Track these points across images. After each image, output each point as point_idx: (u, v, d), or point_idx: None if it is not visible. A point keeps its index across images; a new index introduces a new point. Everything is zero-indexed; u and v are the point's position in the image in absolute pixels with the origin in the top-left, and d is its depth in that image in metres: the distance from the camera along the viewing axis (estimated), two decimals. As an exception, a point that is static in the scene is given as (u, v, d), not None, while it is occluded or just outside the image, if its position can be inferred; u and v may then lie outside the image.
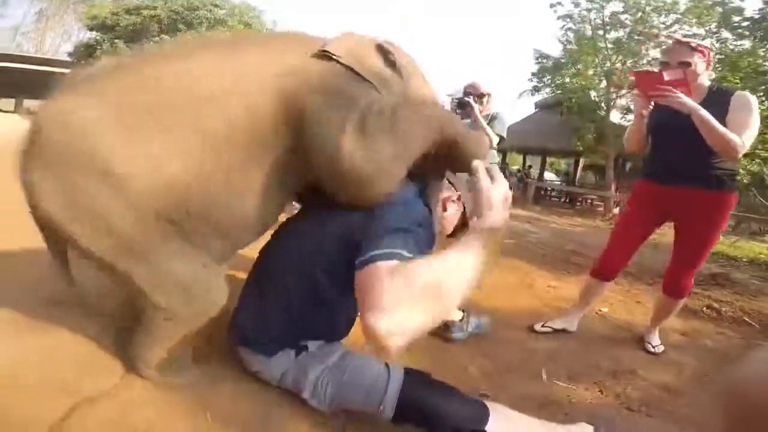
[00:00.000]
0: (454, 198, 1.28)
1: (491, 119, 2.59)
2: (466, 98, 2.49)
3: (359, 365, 1.03)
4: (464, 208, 1.31)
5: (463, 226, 1.35)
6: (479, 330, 1.88)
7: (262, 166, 0.95)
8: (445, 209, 1.26)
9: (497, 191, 0.85)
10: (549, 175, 17.40)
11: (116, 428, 0.91)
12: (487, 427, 0.96)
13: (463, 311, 1.84)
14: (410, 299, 0.71)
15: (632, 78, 1.75)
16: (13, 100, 12.67)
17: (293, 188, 1.07)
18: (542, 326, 2.02)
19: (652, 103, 1.69)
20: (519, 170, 15.42)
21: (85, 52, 9.92)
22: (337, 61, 0.96)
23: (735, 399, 0.39)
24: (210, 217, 0.93)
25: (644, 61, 11.04)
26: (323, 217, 1.04)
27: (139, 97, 0.87)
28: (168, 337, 0.99)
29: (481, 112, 2.51)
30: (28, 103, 12.98)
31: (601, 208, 11.03)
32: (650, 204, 1.85)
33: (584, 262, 3.82)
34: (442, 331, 1.77)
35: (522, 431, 1.08)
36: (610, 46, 11.14)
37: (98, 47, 9.83)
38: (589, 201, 12.49)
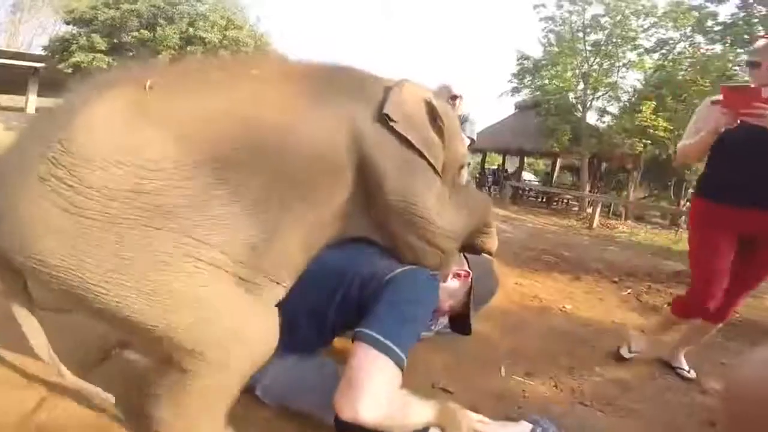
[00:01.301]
0: (463, 273, 1.21)
1: (462, 121, 2.67)
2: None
3: (314, 366, 1.07)
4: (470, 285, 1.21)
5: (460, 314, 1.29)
6: (446, 328, 1.96)
7: (316, 215, 0.95)
8: (444, 280, 1.20)
9: None
10: (528, 176, 17.73)
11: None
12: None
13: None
14: (386, 406, 0.84)
15: (717, 96, 1.67)
16: None
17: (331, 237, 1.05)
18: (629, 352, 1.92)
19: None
20: (497, 170, 15.70)
21: (60, 47, 9.59)
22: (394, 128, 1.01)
23: (734, 399, 0.40)
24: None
25: (620, 64, 11.38)
26: (350, 258, 1.06)
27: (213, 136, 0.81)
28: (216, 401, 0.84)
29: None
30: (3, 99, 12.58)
31: (577, 208, 11.35)
32: (729, 227, 1.65)
33: (553, 261, 3.97)
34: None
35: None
36: (589, 48, 11.43)
37: (74, 42, 9.51)
38: (564, 201, 12.84)
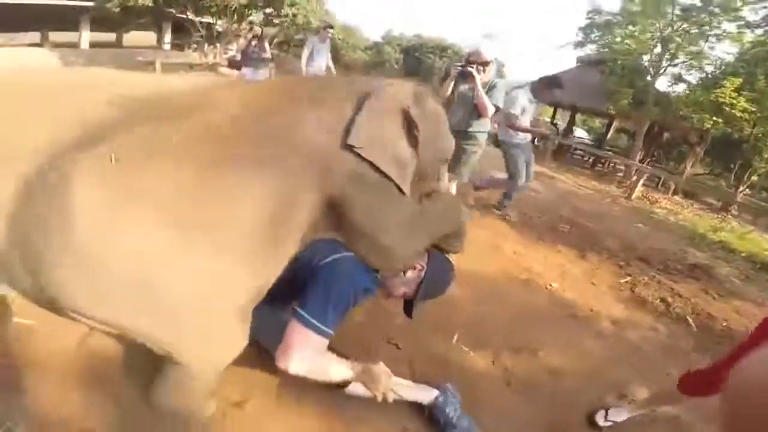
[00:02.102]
0: (417, 267, 1.31)
1: (489, 88, 2.59)
2: (470, 68, 2.51)
3: (277, 319, 1.20)
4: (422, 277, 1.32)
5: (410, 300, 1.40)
6: None
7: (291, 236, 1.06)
8: (405, 272, 1.31)
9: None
10: (581, 133, 16.38)
11: None
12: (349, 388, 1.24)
13: None
14: (309, 365, 1.12)
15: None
16: (38, 34, 12.95)
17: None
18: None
19: None
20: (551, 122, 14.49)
21: None
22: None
23: (735, 399, 0.38)
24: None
25: (712, 33, 9.88)
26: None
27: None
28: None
29: (481, 80, 2.53)
30: (54, 36, 13.24)
31: (622, 174, 10.52)
32: None
33: (567, 231, 3.82)
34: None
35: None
36: (677, 12, 9.90)
37: None
38: (611, 165, 11.90)
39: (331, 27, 5.51)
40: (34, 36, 13.77)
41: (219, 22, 11.48)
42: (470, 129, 2.66)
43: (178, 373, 1.04)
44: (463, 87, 2.61)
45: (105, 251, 0.84)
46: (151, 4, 9.81)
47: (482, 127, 2.73)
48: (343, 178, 1.04)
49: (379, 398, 1.19)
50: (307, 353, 1.10)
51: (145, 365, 1.14)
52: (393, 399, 1.22)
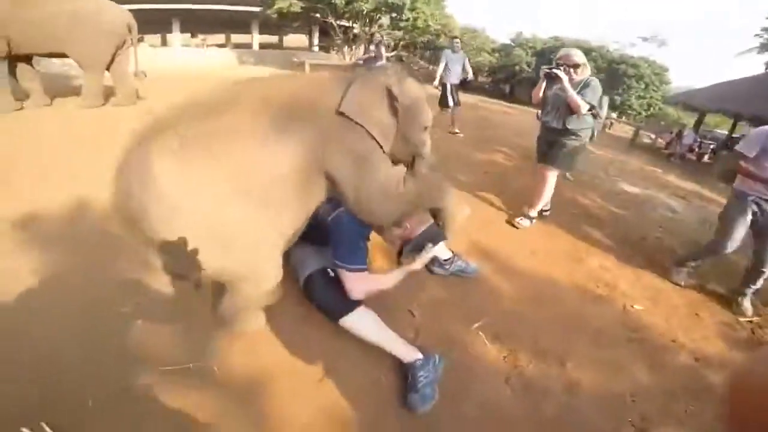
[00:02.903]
0: (406, 228, 1.62)
1: (583, 86, 2.59)
2: (555, 70, 2.59)
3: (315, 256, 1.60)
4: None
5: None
6: (464, 272, 2.10)
7: (306, 193, 1.31)
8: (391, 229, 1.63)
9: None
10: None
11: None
12: (348, 317, 1.42)
13: (452, 253, 2.09)
14: (362, 290, 1.47)
15: None
16: (223, 35, 16.40)
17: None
18: None
19: None
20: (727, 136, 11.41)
21: None
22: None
23: (740, 397, 0.38)
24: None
25: None
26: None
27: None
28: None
29: (572, 80, 2.60)
30: (235, 38, 16.43)
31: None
32: None
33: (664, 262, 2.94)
34: (429, 264, 2.01)
35: (372, 332, 1.42)
36: None
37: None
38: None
39: (457, 38, 5.62)
40: (220, 37, 17.40)
41: (354, 25, 12.54)
42: (569, 126, 2.67)
43: (234, 296, 1.37)
44: (555, 87, 2.68)
45: (180, 203, 1.11)
46: (299, 10, 11.32)
47: (581, 124, 2.67)
48: (334, 147, 1.26)
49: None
50: (356, 287, 1.44)
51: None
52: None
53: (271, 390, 1.33)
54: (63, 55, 4.75)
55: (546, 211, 3.03)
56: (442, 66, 5.39)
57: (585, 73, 2.64)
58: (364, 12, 11.45)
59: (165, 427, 1.18)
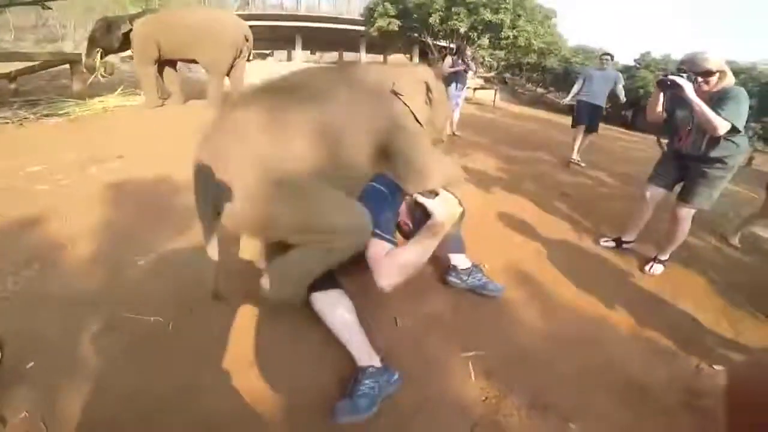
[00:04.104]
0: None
1: (718, 99, 1.93)
2: (672, 76, 1.97)
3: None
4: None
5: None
6: (483, 289, 1.83)
7: (367, 156, 1.43)
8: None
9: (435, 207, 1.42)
10: None
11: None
12: (320, 294, 1.35)
13: (473, 264, 1.85)
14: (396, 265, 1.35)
15: None
16: (336, 53, 17.99)
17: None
18: None
19: None
20: None
21: (368, 13, 12.53)
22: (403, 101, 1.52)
23: (738, 397, 0.38)
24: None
25: None
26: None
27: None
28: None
29: (706, 91, 1.98)
30: (347, 55, 17.85)
31: None
32: None
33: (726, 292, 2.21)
34: (444, 272, 1.85)
35: (337, 320, 1.31)
36: None
37: (376, 9, 12.06)
38: None
39: (609, 55, 4.72)
40: (335, 55, 19.11)
41: (452, 45, 12.60)
42: (711, 154, 2.04)
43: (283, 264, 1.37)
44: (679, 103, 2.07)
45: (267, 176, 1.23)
46: (397, 29, 11.80)
47: (730, 148, 2.02)
48: (390, 119, 1.45)
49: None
50: (392, 260, 1.35)
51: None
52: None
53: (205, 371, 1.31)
54: (195, 61, 5.70)
55: (630, 242, 2.49)
56: (578, 84, 4.73)
57: (724, 82, 1.98)
58: (461, 31, 11.38)
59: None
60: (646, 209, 2.38)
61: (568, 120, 5.38)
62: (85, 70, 5.51)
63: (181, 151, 3.39)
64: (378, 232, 1.36)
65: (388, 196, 1.46)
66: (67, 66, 5.89)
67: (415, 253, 1.37)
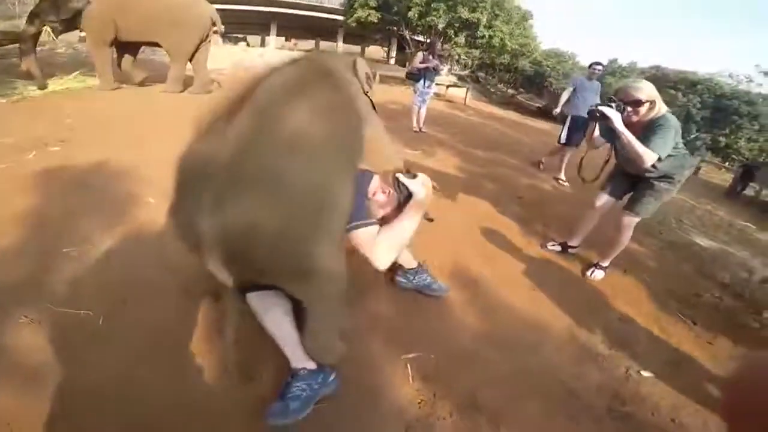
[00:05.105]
0: (385, 191, 1.48)
1: (650, 129, 1.98)
2: (602, 107, 2.02)
3: None
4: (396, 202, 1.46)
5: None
6: (429, 289, 1.85)
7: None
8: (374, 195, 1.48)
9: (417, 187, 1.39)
10: None
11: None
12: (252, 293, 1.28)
13: (419, 264, 1.87)
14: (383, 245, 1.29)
15: None
16: (312, 41, 17.63)
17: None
18: None
19: None
20: None
21: (348, 4, 12.42)
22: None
23: (738, 397, 0.39)
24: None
25: None
26: None
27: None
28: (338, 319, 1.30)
29: (637, 121, 2.03)
30: (323, 44, 17.54)
31: None
32: None
33: (713, 325, 2.21)
34: (391, 270, 1.83)
35: (271, 320, 1.27)
36: None
37: (356, 0, 12.00)
38: None
39: (600, 64, 4.46)
40: (311, 43, 18.72)
41: (429, 41, 12.60)
42: (661, 167, 2.11)
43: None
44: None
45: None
46: (376, 21, 11.71)
47: (671, 168, 2.13)
48: (367, 120, 1.30)
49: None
50: (381, 242, 1.31)
51: None
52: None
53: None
54: (157, 44, 5.41)
55: (575, 247, 2.59)
56: (566, 94, 4.52)
57: (654, 111, 2.03)
58: (439, 27, 11.41)
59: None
60: (594, 216, 2.48)
61: (536, 123, 5.51)
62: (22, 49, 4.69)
63: (129, 136, 3.38)
64: (362, 222, 1.32)
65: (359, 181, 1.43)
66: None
67: (405, 229, 1.37)
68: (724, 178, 9.36)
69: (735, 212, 5.50)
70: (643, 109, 2.02)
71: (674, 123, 2.01)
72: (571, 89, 4.55)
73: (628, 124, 2.01)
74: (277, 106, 0.99)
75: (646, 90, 2.02)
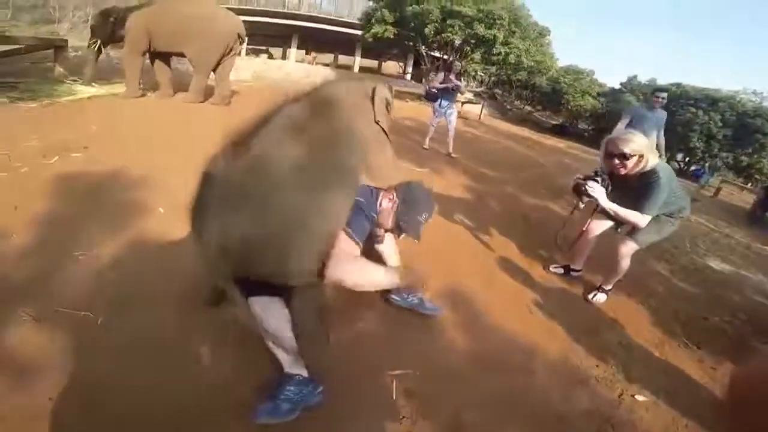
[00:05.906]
0: (390, 197, 1.64)
1: (640, 187, 1.98)
2: (588, 186, 2.00)
3: None
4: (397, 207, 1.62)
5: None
6: (421, 308, 1.87)
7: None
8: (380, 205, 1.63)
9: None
10: None
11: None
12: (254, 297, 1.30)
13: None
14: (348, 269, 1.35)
15: None
16: (332, 55, 18.09)
17: None
18: None
19: None
20: None
21: (365, 19, 12.72)
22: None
23: (741, 397, 0.39)
24: None
25: None
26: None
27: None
28: None
29: (627, 175, 1.99)
30: (342, 59, 17.97)
31: None
32: None
33: (721, 350, 2.24)
34: (387, 291, 1.85)
35: (271, 326, 1.29)
36: None
37: (373, 15, 12.24)
38: None
39: (664, 91, 4.07)
40: (330, 56, 19.19)
41: (445, 57, 12.66)
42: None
43: None
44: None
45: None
46: (392, 36, 11.92)
47: (675, 205, 2.13)
48: (371, 146, 1.53)
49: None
50: (350, 259, 1.39)
51: None
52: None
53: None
54: (183, 55, 5.64)
55: (578, 270, 2.55)
56: (623, 124, 3.95)
57: (642, 164, 1.96)
58: (455, 43, 11.51)
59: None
60: (590, 241, 2.42)
61: (552, 141, 5.43)
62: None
63: (147, 145, 3.52)
64: (350, 231, 1.42)
65: (363, 204, 1.53)
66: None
67: (368, 277, 1.42)
68: (747, 199, 9.05)
69: (754, 235, 5.29)
70: (630, 163, 1.96)
71: (665, 174, 1.97)
72: (626, 120, 3.95)
73: (619, 176, 2.01)
74: (272, 148, 1.20)
75: (633, 143, 1.95)
